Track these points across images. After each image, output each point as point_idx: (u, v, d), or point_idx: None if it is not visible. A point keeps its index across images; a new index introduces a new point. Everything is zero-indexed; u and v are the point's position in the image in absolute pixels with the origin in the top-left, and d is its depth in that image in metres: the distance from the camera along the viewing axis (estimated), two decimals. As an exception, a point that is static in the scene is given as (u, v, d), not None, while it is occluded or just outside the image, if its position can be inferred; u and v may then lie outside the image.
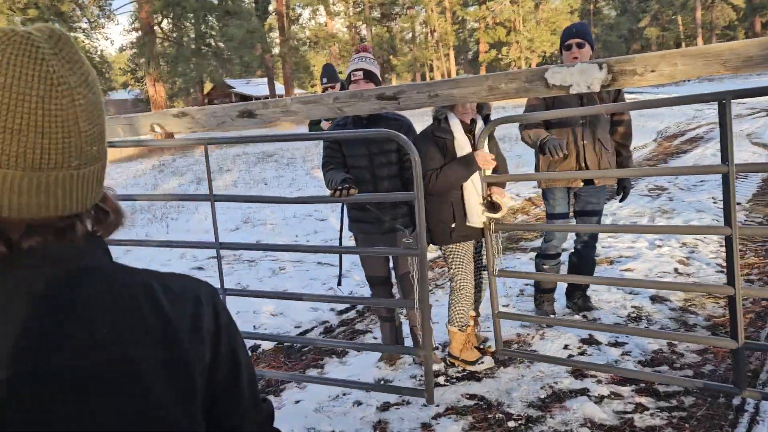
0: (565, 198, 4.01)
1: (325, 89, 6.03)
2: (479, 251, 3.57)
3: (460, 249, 3.44)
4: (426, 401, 2.56)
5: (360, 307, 4.71)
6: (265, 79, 45.37)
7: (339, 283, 3.62)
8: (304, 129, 7.98)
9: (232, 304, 4.95)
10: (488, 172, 3.35)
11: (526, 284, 4.88)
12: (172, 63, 27.76)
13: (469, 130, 3.34)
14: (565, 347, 3.75)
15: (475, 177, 3.32)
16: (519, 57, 40.12)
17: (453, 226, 3.37)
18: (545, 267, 4.13)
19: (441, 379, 3.47)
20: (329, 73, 6.11)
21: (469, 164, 3.21)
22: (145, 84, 32.35)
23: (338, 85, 6.08)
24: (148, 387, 0.74)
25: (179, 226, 8.54)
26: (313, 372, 3.83)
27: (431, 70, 47.45)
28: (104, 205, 0.83)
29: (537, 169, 4.09)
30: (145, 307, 0.77)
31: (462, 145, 3.32)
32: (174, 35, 29.55)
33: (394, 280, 3.72)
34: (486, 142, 3.33)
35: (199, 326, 0.82)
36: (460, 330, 3.55)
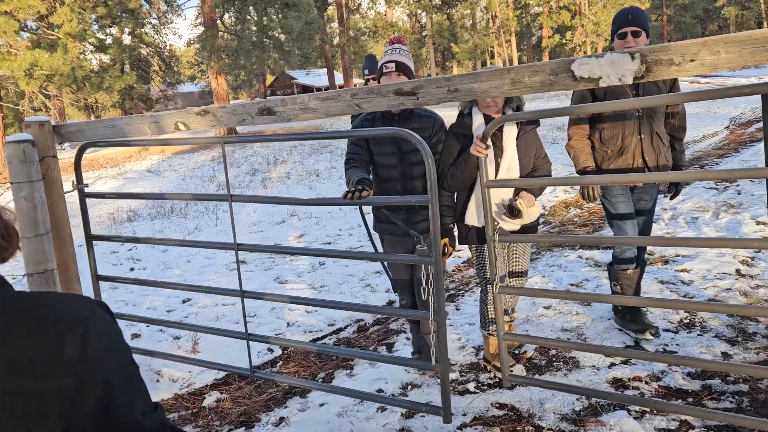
0: (626, 195, 3.59)
1: (366, 81, 5.92)
2: (513, 251, 3.39)
3: (485, 249, 3.27)
4: (443, 420, 2.41)
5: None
6: (325, 70, 45.72)
7: (393, 290, 3.56)
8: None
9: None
10: (510, 172, 3.14)
11: (574, 283, 4.63)
12: (233, 56, 28.29)
13: None
14: (608, 355, 3.51)
15: (492, 175, 3.14)
16: (584, 42, 38.64)
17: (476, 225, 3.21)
18: (626, 272, 3.67)
19: (471, 386, 3.32)
20: (371, 64, 5.98)
21: (467, 160, 3.01)
22: (208, 77, 33.16)
23: (382, 77, 5.95)
24: None
25: (228, 218, 8.64)
26: (342, 372, 3.76)
27: (492, 57, 46.42)
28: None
29: (584, 160, 3.65)
30: None
31: None
32: (236, 28, 30.09)
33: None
34: (509, 140, 3.13)
35: (59, 354, 0.79)
36: (490, 334, 3.39)
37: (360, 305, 2.90)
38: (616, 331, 3.76)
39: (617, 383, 3.18)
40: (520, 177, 3.18)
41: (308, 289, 5.25)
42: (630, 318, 3.69)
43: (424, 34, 47.12)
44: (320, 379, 3.71)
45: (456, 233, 3.34)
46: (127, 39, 32.05)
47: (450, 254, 3.28)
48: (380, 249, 3.59)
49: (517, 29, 46.71)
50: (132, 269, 6.41)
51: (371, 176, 3.25)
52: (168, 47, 45.45)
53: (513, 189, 3.16)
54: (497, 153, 3.16)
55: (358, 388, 3.47)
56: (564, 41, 41.45)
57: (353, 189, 2.52)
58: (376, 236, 3.50)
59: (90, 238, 3.76)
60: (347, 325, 4.50)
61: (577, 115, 3.61)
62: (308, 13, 28.11)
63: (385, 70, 3.15)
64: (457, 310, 4.56)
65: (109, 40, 23.41)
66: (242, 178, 12.80)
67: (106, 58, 24.17)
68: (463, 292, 4.98)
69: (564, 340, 3.67)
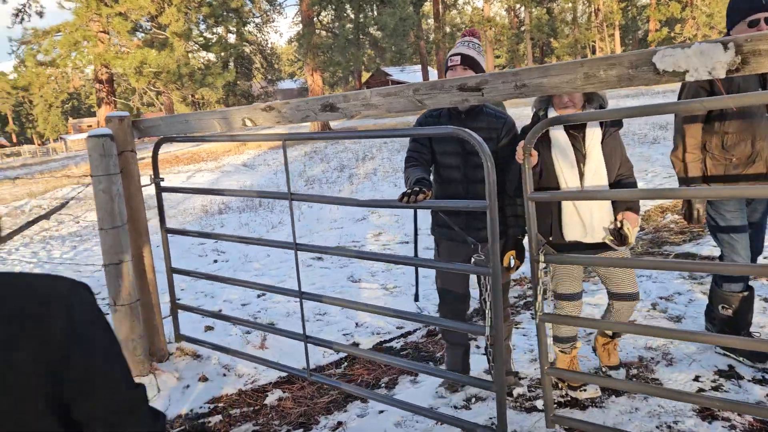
0: (742, 206, 3.13)
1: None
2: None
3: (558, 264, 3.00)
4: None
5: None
6: (420, 66, 45.69)
7: (416, 299, 3.28)
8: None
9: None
10: (596, 180, 2.81)
11: (663, 296, 4.25)
12: (329, 53, 28.84)
13: (575, 126, 2.84)
14: (696, 379, 3.16)
15: (576, 182, 2.81)
16: (695, 35, 36.13)
17: (550, 239, 2.93)
18: (739, 294, 3.21)
19: (539, 403, 3.09)
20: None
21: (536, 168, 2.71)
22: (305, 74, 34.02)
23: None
24: None
25: (312, 213, 8.74)
26: (406, 379, 3.63)
27: (594, 51, 44.52)
28: None
29: (693, 175, 3.13)
30: None
31: (560, 145, 2.83)
32: (332, 26, 30.66)
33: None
34: (592, 144, 2.83)
35: (45, 328, 0.83)
36: (562, 351, 3.14)
37: (411, 314, 2.76)
38: (711, 352, 3.38)
39: (704, 413, 2.84)
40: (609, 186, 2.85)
41: (380, 290, 5.16)
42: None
43: (522, 29, 45.92)
44: (383, 385, 3.61)
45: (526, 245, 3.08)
46: (231, 37, 33.53)
47: (517, 268, 3.04)
48: (421, 253, 3.38)
49: (622, 23, 44.47)
50: (215, 261, 6.60)
51: (431, 176, 3.07)
52: (270, 45, 47.18)
53: (607, 203, 2.79)
54: (579, 158, 2.84)
55: (420, 396, 3.34)
56: (673, 35, 38.96)
57: (409, 191, 2.38)
58: (421, 241, 3.31)
59: (165, 231, 3.85)
60: (416, 329, 4.37)
61: (692, 114, 3.04)
62: (403, 9, 28.14)
63: (449, 64, 2.97)
64: (533, 319, 4.32)
65: (213, 39, 24.58)
66: (330, 174, 12.96)
67: (210, 56, 25.40)
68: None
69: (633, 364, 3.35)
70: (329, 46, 28.13)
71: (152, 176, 3.75)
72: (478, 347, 3.82)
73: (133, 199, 3.70)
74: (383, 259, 2.70)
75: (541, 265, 2.39)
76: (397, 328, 4.40)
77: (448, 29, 42.54)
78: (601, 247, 2.85)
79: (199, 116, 3.37)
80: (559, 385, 3.21)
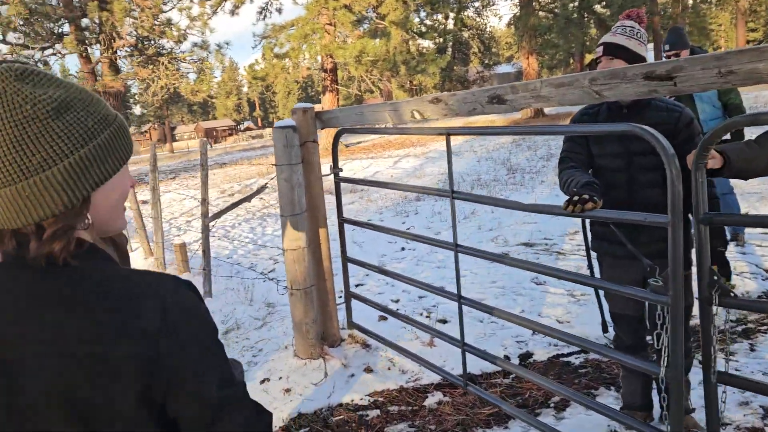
0: None
1: (668, 57, 5.00)
2: None
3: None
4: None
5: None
6: (653, 45, 41.51)
7: (605, 330, 2.85)
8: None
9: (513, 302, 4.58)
10: None
11: None
12: (547, 35, 27.60)
13: None
14: None
15: None
16: None
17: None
18: None
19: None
20: (675, 37, 5.04)
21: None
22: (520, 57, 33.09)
23: (686, 52, 4.97)
24: (56, 376, 0.83)
25: (516, 198, 8.39)
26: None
27: None
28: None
29: None
30: (60, 308, 0.85)
31: None
32: (552, 6, 29.24)
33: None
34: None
35: (135, 323, 0.85)
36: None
37: (575, 338, 2.40)
38: None
39: None
40: None
41: (565, 296, 4.72)
42: None
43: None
44: (552, 405, 3.27)
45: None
46: (449, 23, 33.88)
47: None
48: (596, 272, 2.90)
49: None
50: (403, 249, 6.66)
51: None
52: (488, 29, 46.79)
53: None
54: None
55: (595, 423, 2.96)
56: None
57: (576, 198, 2.03)
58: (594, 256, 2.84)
59: (341, 221, 3.91)
60: (603, 344, 3.89)
61: None
62: (634, -18, 25.72)
63: (596, 57, 2.53)
64: (752, 351, 3.58)
65: (431, 26, 25.04)
66: (535, 163, 12.39)
67: (427, 43, 25.93)
68: (766, 328, 3.90)
69: None
70: (547, 28, 26.89)
71: (331, 166, 3.83)
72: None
73: (313, 188, 3.82)
74: (550, 273, 2.38)
75: (716, 309, 1.85)
76: (585, 339, 3.97)
77: (688, 2, 37.99)
78: None
79: (372, 108, 3.32)
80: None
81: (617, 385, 3.37)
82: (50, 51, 20.84)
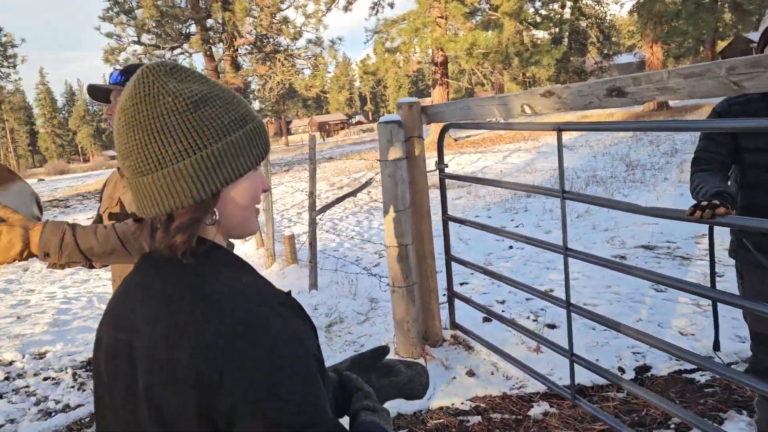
0: None
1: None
2: None
3: None
4: None
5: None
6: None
7: (716, 347, 2.48)
8: None
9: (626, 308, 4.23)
10: None
11: None
12: (674, 21, 25.74)
13: None
14: None
15: None
16: None
17: None
18: None
19: None
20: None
21: None
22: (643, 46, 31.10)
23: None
24: (138, 376, 0.85)
25: (635, 197, 7.88)
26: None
27: None
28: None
29: None
30: (155, 303, 0.87)
31: None
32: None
33: None
34: None
35: (196, 333, 0.82)
36: None
37: (699, 357, 2.15)
38: None
39: None
40: None
41: (690, 305, 4.32)
42: None
43: None
44: (672, 426, 2.98)
45: None
46: (567, 13, 32.51)
47: None
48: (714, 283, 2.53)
49: None
50: (510, 247, 6.44)
51: (731, 183, 2.30)
52: (608, 17, 44.41)
53: None
54: None
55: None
56: None
57: (705, 203, 1.80)
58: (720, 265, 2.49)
59: (446, 219, 3.81)
60: (734, 362, 3.51)
61: None
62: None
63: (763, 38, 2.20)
64: None
65: (546, 15, 24.12)
66: (657, 159, 11.56)
67: (542, 34, 25.02)
68: None
69: None
70: (675, 13, 25.07)
71: (437, 162, 3.73)
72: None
73: (418, 183, 3.74)
74: (662, 281, 2.15)
75: None
76: (708, 357, 3.61)
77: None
78: None
79: (479, 102, 3.19)
80: None
81: (750, 409, 3.02)
82: (179, 51, 22.36)
